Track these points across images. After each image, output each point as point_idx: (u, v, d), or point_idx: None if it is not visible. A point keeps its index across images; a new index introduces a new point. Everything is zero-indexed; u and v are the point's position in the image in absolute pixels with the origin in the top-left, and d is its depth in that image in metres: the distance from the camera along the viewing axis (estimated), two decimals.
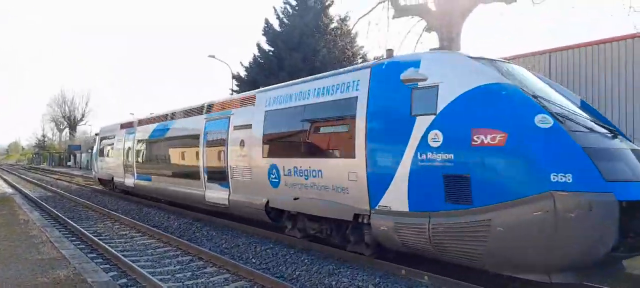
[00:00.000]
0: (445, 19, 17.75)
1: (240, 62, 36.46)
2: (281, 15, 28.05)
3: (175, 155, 14.60)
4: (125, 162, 18.66)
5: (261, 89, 10.89)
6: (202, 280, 7.27)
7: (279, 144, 9.72)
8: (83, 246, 9.65)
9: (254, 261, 8.49)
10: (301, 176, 8.68)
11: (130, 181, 18.10)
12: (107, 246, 9.27)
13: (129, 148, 18.37)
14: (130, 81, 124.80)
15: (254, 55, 27.99)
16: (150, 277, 7.03)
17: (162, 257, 8.87)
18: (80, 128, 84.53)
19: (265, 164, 9.67)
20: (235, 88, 28.17)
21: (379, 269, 7.55)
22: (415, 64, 6.95)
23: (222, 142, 11.40)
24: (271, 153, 9.68)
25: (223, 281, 7.22)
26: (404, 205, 6.71)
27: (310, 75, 10.40)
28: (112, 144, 20.55)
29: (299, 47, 25.58)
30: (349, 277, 7.09)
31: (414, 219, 6.58)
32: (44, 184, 27.92)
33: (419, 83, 6.73)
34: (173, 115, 15.07)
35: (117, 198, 19.21)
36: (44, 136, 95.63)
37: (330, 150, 8.47)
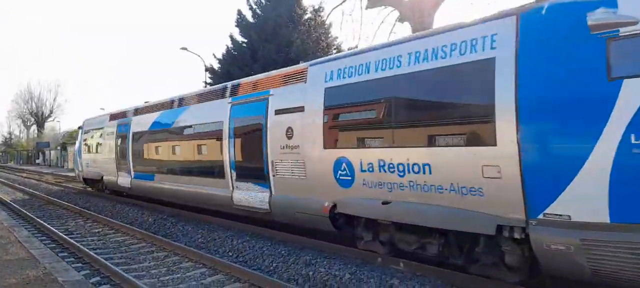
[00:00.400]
0: (417, 9, 17.95)
1: (213, 54, 36.02)
2: (254, 6, 27.76)
3: (187, 149, 12.12)
4: (119, 158, 16.02)
5: (315, 60, 8.71)
6: (178, 275, 7.21)
7: (351, 130, 7.64)
8: (53, 245, 9.40)
9: (231, 254, 8.45)
10: (392, 172, 6.61)
11: (125, 180, 15.49)
12: (78, 244, 9.06)
13: (123, 142, 15.60)
14: (130, 81, 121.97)
15: (227, 47, 27.68)
16: (124, 274, 6.92)
17: (137, 254, 8.74)
18: (48, 124, 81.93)
19: (328, 157, 7.64)
20: (209, 81, 27.78)
21: (355, 258, 7.62)
22: (609, 1, 4.82)
23: (258, 131, 9.22)
24: (338, 143, 7.63)
25: (199, 275, 7.17)
26: (601, 214, 4.70)
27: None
28: (101, 137, 17.84)
29: (272, 38, 25.39)
30: (326, 267, 7.14)
31: (625, 236, 4.59)
32: (11, 183, 27.00)
33: (622, 30, 4.67)
34: (182, 102, 12.57)
35: (88, 195, 18.73)
36: (10, 133, 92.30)
37: (446, 135, 6.15)
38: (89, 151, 19.44)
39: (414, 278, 6.48)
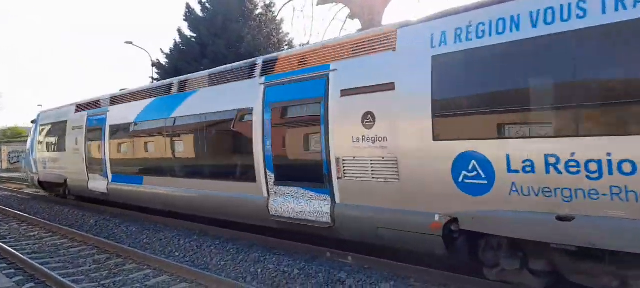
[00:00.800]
0: (367, 6, 18.22)
1: (161, 49, 34.93)
2: (203, 0, 27.10)
3: (194, 144, 9.58)
4: (90, 157, 13.15)
5: (412, 19, 6.37)
6: (121, 278, 6.93)
7: (488, 113, 5.33)
8: None
9: (177, 254, 8.24)
10: (574, 173, 4.63)
11: (99, 184, 12.67)
12: (11, 249, 8.49)
13: (97, 137, 12.81)
14: (131, 80, 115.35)
15: (175, 42, 26.89)
16: (61, 278, 6.57)
17: (76, 257, 8.31)
18: None
19: (442, 152, 5.56)
20: (156, 76, 26.89)
21: (304, 253, 7.64)
22: None
23: (312, 118, 7.14)
24: (461, 132, 5.53)
25: (143, 277, 6.93)
26: None
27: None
28: (64, 132, 14.67)
29: (222, 34, 24.90)
30: (275, 263, 7.12)
31: None
32: None
33: None
34: (185, 85, 10.01)
35: (24, 197, 17.57)
36: None
37: None
38: (47, 149, 16.23)
39: (362, 271, 6.59)
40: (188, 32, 26.87)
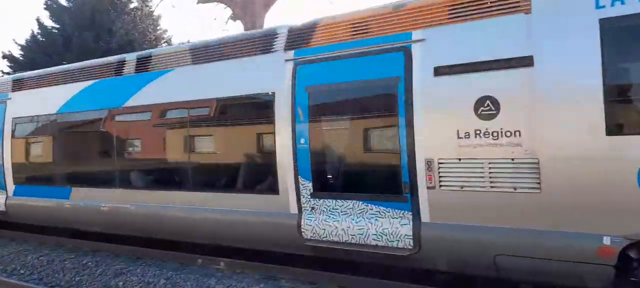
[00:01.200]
0: (249, 9, 18.18)
1: (14, 40, 30.96)
2: None
3: (171, 143, 7.26)
4: None
5: None
6: None
7: None
8: None
9: (23, 272, 7.24)
10: None
11: None
12: None
13: None
14: None
15: (33, 32, 23.91)
16: None
17: None
18: None
19: (623, 152, 4.22)
20: (8, 70, 23.56)
21: (172, 261, 7.23)
22: None
23: (381, 105, 5.55)
24: None
25: None
26: None
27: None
28: None
29: (90, 26, 22.76)
30: (139, 275, 6.63)
31: None
32: None
33: None
34: (146, 63, 7.50)
35: None
36: None
37: None
38: None
39: (233, 276, 6.44)
40: (49, 22, 24.15)
